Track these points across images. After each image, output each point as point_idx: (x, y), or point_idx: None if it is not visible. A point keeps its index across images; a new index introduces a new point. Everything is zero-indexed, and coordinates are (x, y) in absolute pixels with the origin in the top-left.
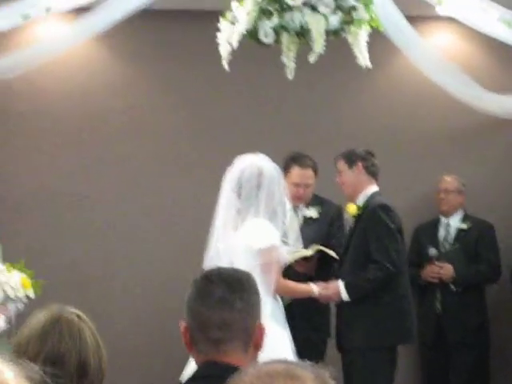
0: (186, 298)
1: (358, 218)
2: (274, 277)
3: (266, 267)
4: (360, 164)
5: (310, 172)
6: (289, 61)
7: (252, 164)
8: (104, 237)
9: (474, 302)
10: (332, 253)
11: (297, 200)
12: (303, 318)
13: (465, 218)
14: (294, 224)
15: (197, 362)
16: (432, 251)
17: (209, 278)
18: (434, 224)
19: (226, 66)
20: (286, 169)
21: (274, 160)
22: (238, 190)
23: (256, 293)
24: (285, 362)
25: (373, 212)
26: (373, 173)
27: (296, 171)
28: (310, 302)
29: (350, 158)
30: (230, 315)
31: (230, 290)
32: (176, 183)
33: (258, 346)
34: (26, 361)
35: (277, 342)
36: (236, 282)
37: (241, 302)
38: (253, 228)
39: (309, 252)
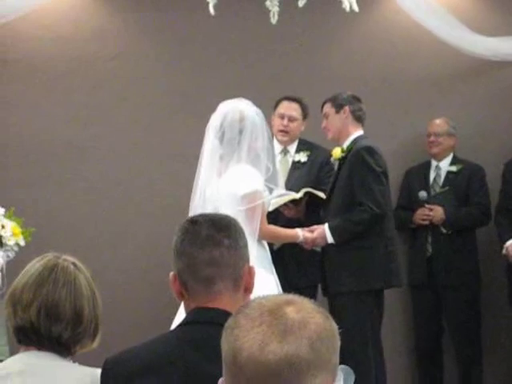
0: (173, 244)
1: (342, 160)
2: (258, 222)
3: (250, 213)
4: (347, 108)
5: (295, 105)
6: (272, 5)
7: (234, 109)
8: (93, 183)
9: (464, 245)
10: (321, 194)
11: (281, 134)
12: (294, 263)
13: (455, 161)
14: (282, 168)
15: (187, 310)
16: (422, 194)
17: (194, 220)
18: (425, 167)
19: (212, 11)
20: (275, 107)
21: (260, 107)
22: (221, 136)
23: (242, 236)
24: (284, 294)
25: (357, 154)
26: (359, 117)
27: (282, 104)
28: (300, 247)
29: (337, 102)
30: (217, 251)
31: (216, 228)
32: (163, 129)
33: (248, 289)
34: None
35: (263, 287)
36: (221, 222)
37: (228, 239)
38: (236, 174)
39: (298, 195)
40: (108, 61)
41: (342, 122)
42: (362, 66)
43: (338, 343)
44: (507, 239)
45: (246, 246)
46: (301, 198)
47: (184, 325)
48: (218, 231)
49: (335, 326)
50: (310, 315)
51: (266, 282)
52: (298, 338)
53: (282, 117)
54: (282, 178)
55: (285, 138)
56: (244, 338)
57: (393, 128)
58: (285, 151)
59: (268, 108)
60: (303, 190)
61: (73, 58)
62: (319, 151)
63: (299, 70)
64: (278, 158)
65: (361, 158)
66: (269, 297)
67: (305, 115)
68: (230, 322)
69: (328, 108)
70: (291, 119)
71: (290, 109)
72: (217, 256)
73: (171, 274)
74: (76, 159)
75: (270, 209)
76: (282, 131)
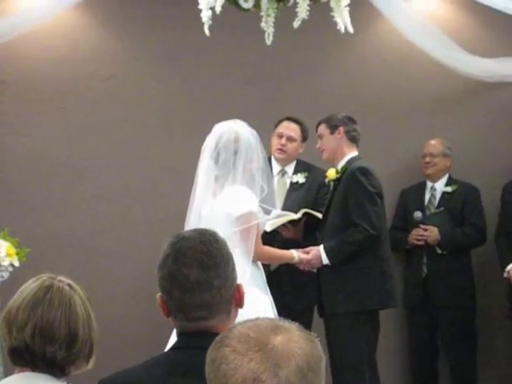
0: (159, 279)
1: (337, 181)
2: (253, 242)
3: (244, 233)
4: (341, 129)
5: (295, 126)
6: (267, 26)
7: (229, 130)
8: (90, 203)
9: (460, 265)
10: (319, 214)
11: (278, 152)
12: (290, 285)
13: (450, 182)
14: (280, 189)
15: (177, 331)
16: (417, 214)
17: (178, 259)
18: (420, 188)
19: (207, 32)
20: (276, 126)
21: (255, 126)
22: (216, 157)
23: (230, 261)
24: (269, 318)
25: (352, 175)
26: (353, 138)
27: (282, 124)
28: (297, 269)
29: (332, 123)
30: (208, 295)
31: (204, 270)
32: (160, 148)
33: (238, 305)
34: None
35: (258, 307)
36: (209, 258)
37: (218, 279)
38: (231, 195)
39: (296, 215)
40: (105, 80)
41: (336, 143)
42: (356, 86)
43: (324, 363)
44: (508, 263)
45: (233, 269)
46: (299, 219)
47: (176, 348)
48: (206, 271)
49: (320, 349)
50: (297, 345)
51: (259, 302)
52: (289, 371)
53: (281, 136)
54: (278, 199)
55: (281, 157)
56: (234, 377)
57: (388, 149)
58: (283, 172)
59: (263, 128)
60: (302, 211)
61: (70, 78)
62: (317, 172)
63: (294, 90)
64: (276, 178)
65: (355, 178)
66: (254, 323)
67: (304, 137)
68: (214, 353)
69: (322, 129)
70: (289, 139)
71: (288, 129)
72: (209, 300)
73: (158, 296)
74: (73, 178)
75: (268, 229)
76: (278, 150)
